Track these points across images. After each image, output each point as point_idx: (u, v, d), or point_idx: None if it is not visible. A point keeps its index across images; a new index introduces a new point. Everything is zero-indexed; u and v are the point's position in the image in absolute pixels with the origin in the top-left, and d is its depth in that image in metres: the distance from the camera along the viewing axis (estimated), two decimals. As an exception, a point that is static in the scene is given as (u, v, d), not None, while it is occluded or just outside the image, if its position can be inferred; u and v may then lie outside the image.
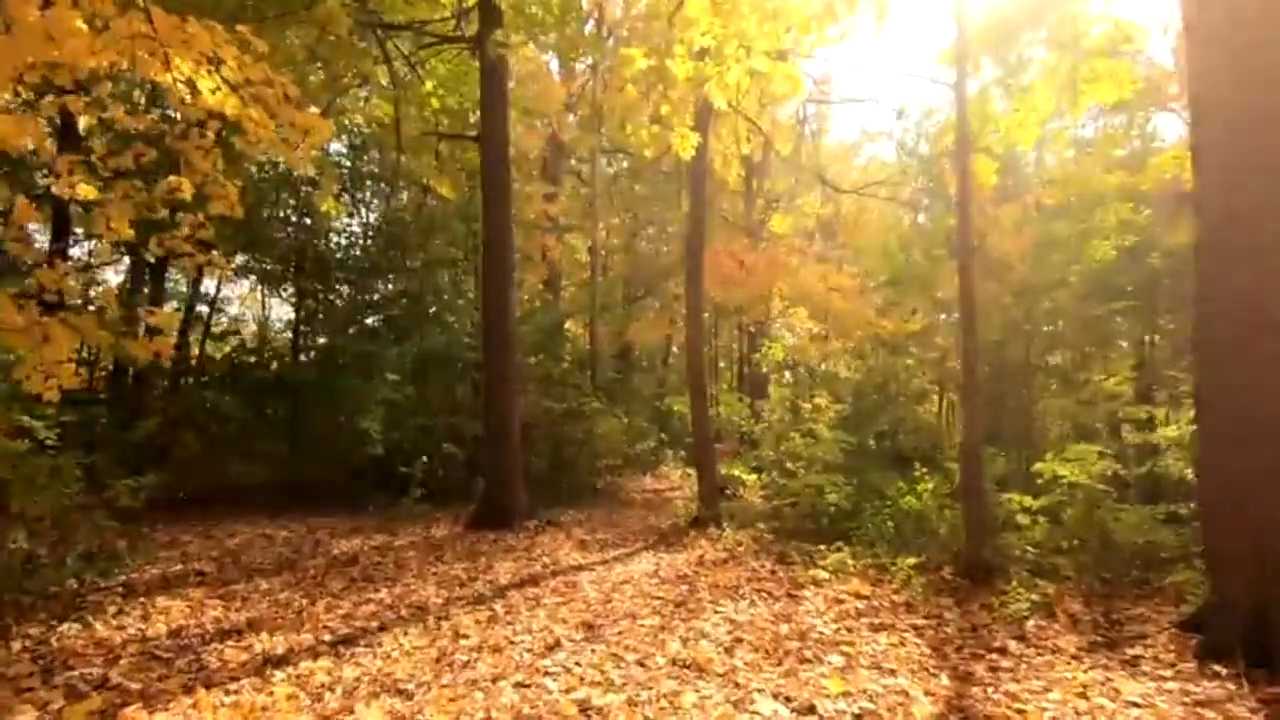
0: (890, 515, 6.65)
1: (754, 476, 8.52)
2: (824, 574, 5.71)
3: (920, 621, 4.69)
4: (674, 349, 24.51)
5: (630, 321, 19.42)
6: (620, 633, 4.39)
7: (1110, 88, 8.13)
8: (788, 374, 20.99)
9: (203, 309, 11.85)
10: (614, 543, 7.59)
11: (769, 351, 11.10)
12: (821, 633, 4.43)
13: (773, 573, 5.94)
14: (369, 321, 12.07)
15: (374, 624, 4.47)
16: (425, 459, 8.74)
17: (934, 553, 6.28)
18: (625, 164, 21.74)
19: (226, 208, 5.01)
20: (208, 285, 14.11)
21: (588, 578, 5.82)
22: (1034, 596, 4.98)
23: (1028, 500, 5.93)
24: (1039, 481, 6.56)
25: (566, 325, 19.13)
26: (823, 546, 6.47)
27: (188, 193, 4.71)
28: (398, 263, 13.06)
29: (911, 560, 5.74)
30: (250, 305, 20.59)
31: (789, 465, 8.15)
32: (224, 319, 17.80)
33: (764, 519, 8.22)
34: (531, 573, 5.97)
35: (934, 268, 13.38)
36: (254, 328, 18.67)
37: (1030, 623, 4.61)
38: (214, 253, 5.10)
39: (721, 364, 25.77)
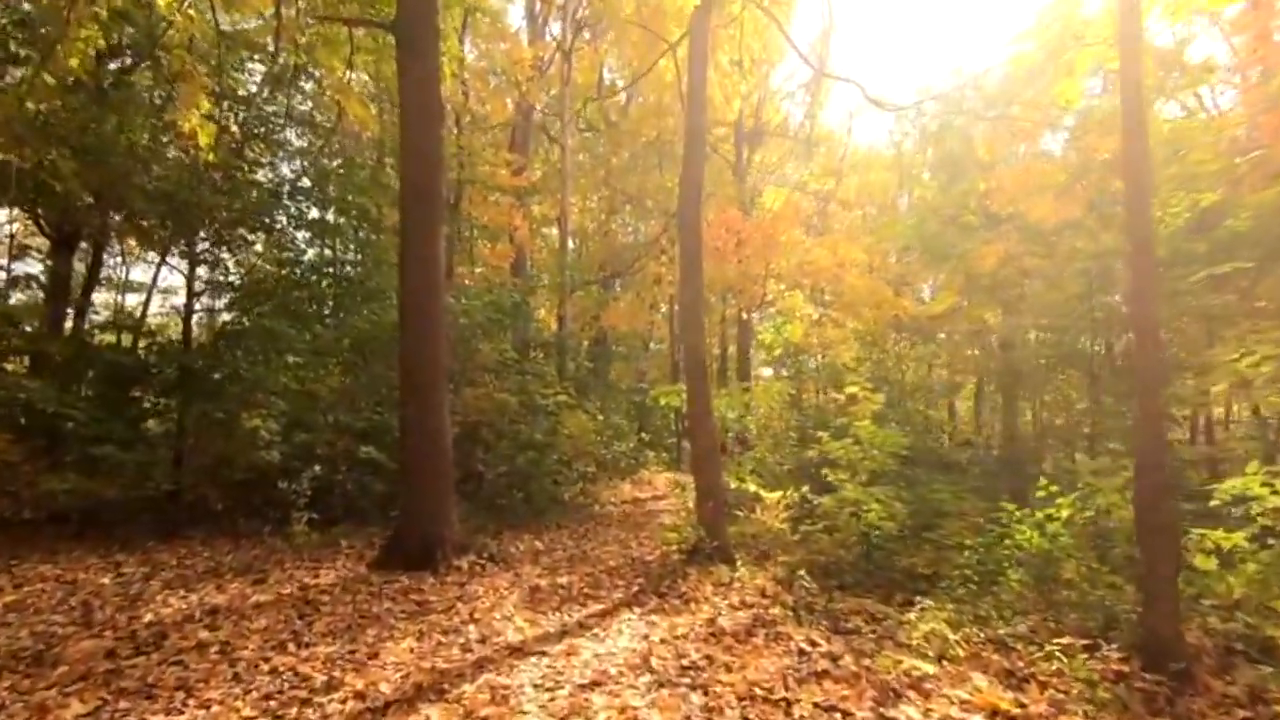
0: (1008, 558, 4.42)
1: (777, 494, 6.26)
2: (924, 664, 3.47)
3: (1155, 792, 2.48)
4: (652, 344, 22.31)
5: (606, 305, 17.09)
6: None
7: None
8: (767, 370, 18.87)
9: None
10: (581, 591, 5.28)
11: (779, 332, 8.87)
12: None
13: (834, 659, 3.67)
14: (292, 294, 9.52)
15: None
16: (317, 469, 6.31)
17: (1065, 616, 4.12)
18: (602, 144, 19.47)
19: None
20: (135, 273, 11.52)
21: (532, 675, 3.50)
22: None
23: (1233, 537, 3.76)
24: (1208, 505, 4.46)
25: (539, 313, 16.74)
26: (909, 615, 4.18)
27: None
28: (324, 225, 10.56)
29: (1064, 640, 3.53)
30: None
31: (828, 476, 5.94)
32: (167, 307, 14.91)
33: (787, 549, 6.01)
34: (440, 665, 3.63)
35: (965, 237, 11.35)
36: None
37: (1362, 792, 2.44)
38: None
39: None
